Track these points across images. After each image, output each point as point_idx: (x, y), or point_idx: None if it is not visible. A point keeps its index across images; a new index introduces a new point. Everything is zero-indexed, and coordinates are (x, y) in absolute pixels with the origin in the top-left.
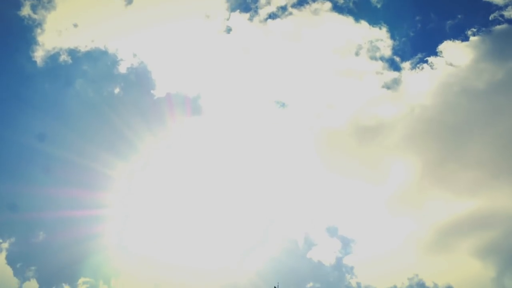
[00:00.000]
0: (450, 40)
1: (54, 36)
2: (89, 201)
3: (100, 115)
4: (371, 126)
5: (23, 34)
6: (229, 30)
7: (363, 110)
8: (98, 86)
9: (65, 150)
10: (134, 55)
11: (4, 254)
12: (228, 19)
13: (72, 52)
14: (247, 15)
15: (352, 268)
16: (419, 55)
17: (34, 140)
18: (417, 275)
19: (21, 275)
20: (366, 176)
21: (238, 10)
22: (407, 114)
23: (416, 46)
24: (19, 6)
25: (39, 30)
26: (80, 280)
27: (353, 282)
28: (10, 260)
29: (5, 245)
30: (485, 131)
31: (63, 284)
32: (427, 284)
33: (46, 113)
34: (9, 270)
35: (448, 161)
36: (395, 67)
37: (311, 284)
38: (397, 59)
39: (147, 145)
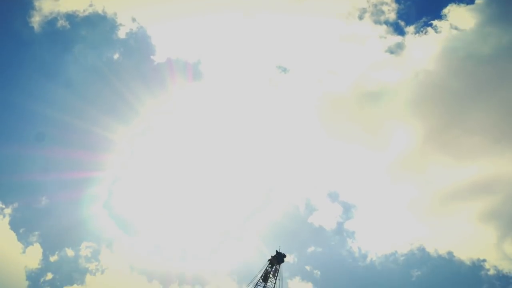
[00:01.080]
0: (455, 3)
1: (51, 0)
2: (91, 163)
3: (100, 80)
4: (373, 91)
5: None
6: None
7: (365, 75)
8: (97, 52)
9: (65, 113)
10: (133, 20)
11: (7, 219)
12: None
13: (70, 17)
14: None
15: (353, 233)
16: (424, 19)
17: (34, 104)
18: (418, 240)
19: (24, 240)
20: (368, 142)
21: None
22: (411, 79)
23: (421, 9)
24: None
25: None
26: (83, 245)
27: (354, 247)
28: (14, 225)
29: (8, 210)
30: (490, 96)
31: (66, 249)
32: (427, 249)
33: (46, 78)
34: (12, 235)
35: (450, 127)
36: (399, 31)
37: (312, 248)
38: (402, 23)
39: (148, 110)
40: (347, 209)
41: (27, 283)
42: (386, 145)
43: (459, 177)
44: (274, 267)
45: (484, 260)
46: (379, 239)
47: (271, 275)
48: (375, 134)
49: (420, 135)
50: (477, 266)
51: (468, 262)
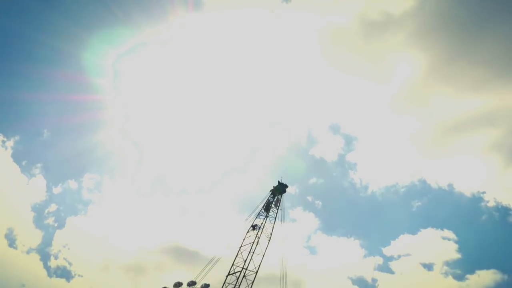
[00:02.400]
0: None
1: None
2: (88, 86)
3: (98, 4)
4: (377, 22)
5: None
6: None
7: (370, 5)
8: None
9: (63, 40)
10: None
11: (9, 152)
12: None
13: None
14: None
15: (355, 164)
16: None
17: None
18: (419, 172)
19: (27, 172)
20: (371, 73)
21: None
22: (417, 8)
23: None
24: None
25: None
26: (86, 176)
27: (356, 178)
28: (16, 158)
29: (10, 143)
30: (497, 27)
31: (69, 181)
32: (428, 181)
33: (45, 4)
34: (15, 168)
35: (455, 58)
36: None
37: (314, 179)
38: None
39: (147, 38)
40: (349, 141)
41: (32, 214)
42: (389, 77)
43: (462, 109)
44: (276, 197)
45: (484, 192)
46: (381, 171)
47: (273, 205)
48: (378, 65)
49: (424, 67)
50: (477, 198)
51: (468, 194)
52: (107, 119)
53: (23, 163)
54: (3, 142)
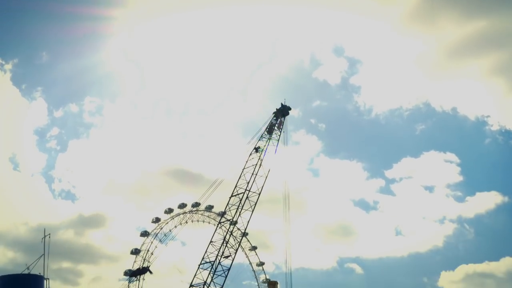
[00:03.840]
0: None
1: None
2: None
3: None
4: None
5: None
6: None
7: None
8: None
9: None
10: None
11: (8, 75)
12: None
13: None
14: None
15: (359, 87)
16: None
17: None
18: (423, 95)
19: (28, 95)
20: None
21: None
22: None
23: None
24: None
25: None
26: (86, 99)
27: (360, 101)
28: (16, 81)
29: (8, 66)
30: None
31: (70, 104)
32: (433, 104)
33: None
34: (16, 91)
35: None
36: None
37: (317, 102)
38: None
39: None
40: (353, 64)
41: (35, 137)
42: None
43: (469, 31)
44: (279, 120)
45: (488, 116)
46: (385, 94)
47: (275, 128)
48: None
49: None
50: (481, 122)
51: (472, 118)
52: (108, 36)
53: (23, 86)
54: (2, 65)
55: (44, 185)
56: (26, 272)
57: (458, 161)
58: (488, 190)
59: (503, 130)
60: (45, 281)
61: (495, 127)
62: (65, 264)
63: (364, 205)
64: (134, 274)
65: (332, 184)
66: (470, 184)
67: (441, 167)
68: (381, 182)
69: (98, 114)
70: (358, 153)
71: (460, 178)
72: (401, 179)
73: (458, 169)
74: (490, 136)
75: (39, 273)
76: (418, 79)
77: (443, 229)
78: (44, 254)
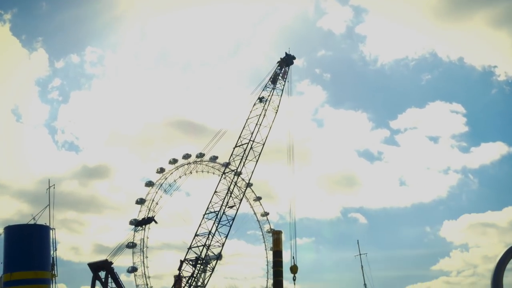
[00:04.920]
0: None
1: None
2: None
3: None
4: None
5: None
6: None
7: None
8: None
9: None
10: None
11: (7, 25)
12: None
13: None
14: None
15: (364, 37)
16: None
17: None
18: (430, 45)
19: (28, 46)
20: None
21: None
22: None
23: None
24: None
25: None
26: (88, 49)
27: (365, 51)
28: (15, 32)
29: (8, 16)
30: None
31: (71, 55)
32: (439, 54)
33: None
34: (16, 42)
35: None
36: None
37: (322, 52)
38: None
39: None
40: (358, 12)
41: (36, 89)
42: None
43: None
44: (283, 69)
45: (495, 66)
46: (391, 44)
47: (280, 77)
48: None
49: None
50: (488, 72)
51: (479, 68)
52: None
53: (23, 37)
54: (0, 15)
55: (47, 136)
56: (32, 222)
57: (464, 111)
58: (494, 140)
59: (510, 81)
60: (51, 231)
61: (502, 77)
62: (71, 215)
63: (369, 156)
64: (139, 223)
65: (337, 134)
66: (476, 135)
67: (447, 117)
68: (385, 133)
69: (100, 65)
70: (363, 104)
71: (466, 129)
72: (405, 129)
73: (464, 119)
74: (496, 87)
75: (45, 223)
76: (424, 28)
77: (447, 180)
78: (49, 205)
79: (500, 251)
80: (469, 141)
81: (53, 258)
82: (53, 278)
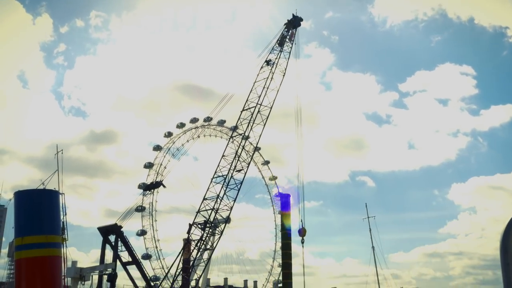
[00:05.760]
0: None
1: None
2: None
3: None
4: None
5: None
6: None
7: None
8: None
9: None
10: None
11: None
12: None
13: None
14: None
15: None
16: None
17: None
18: (440, 6)
19: (32, 11)
20: None
21: None
22: None
23: None
24: None
25: None
26: (92, 14)
27: (374, 13)
28: None
29: None
30: None
31: (76, 20)
32: (449, 15)
33: None
34: (19, 7)
35: None
36: None
37: (330, 13)
38: None
39: None
40: None
41: (42, 54)
42: None
43: None
44: (290, 31)
45: (506, 27)
46: (400, 5)
47: (287, 40)
48: None
49: None
50: (499, 33)
51: (490, 29)
52: None
53: (27, 1)
54: None
55: (54, 102)
56: (41, 187)
57: (474, 73)
58: (504, 103)
59: None
60: (60, 195)
61: None
62: (79, 180)
63: (377, 119)
64: (148, 188)
65: (345, 97)
66: (486, 97)
67: (456, 80)
68: (394, 95)
69: (105, 29)
70: (371, 66)
71: (476, 91)
72: (414, 92)
73: (474, 81)
74: (508, 48)
75: (54, 188)
76: None
77: (456, 142)
78: (58, 170)
79: (509, 213)
80: (479, 104)
81: (63, 222)
82: (64, 242)
